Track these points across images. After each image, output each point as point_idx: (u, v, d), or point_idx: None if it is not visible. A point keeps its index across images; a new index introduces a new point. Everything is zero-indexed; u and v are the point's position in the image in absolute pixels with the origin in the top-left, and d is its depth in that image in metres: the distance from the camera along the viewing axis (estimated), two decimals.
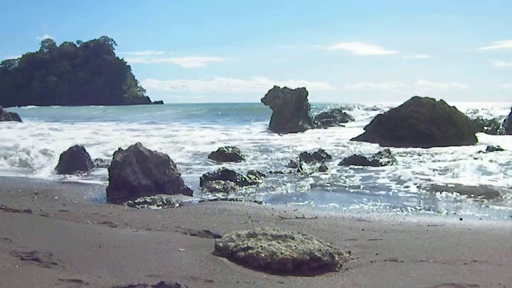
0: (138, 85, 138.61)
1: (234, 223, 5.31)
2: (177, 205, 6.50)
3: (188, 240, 4.36)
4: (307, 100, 25.97)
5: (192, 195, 7.20)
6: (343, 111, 40.67)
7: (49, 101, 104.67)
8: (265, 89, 25.65)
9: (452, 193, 7.39)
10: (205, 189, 7.68)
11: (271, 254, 3.59)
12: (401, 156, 12.18)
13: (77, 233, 4.43)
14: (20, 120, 30.86)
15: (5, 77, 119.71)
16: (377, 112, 23.71)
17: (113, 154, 7.41)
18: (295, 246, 3.69)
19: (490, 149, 12.51)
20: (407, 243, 4.45)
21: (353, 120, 31.35)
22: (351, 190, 7.79)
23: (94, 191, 7.40)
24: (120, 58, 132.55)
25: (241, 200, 6.78)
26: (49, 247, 3.72)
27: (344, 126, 26.78)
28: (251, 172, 8.77)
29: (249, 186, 7.95)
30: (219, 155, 11.36)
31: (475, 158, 11.21)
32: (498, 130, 21.78)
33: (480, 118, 28.01)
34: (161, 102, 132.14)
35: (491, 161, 10.92)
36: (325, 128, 24.66)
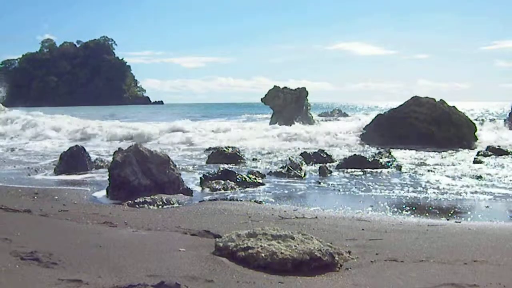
0: (138, 85, 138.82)
1: (234, 223, 5.30)
2: (177, 205, 6.50)
3: (188, 240, 4.36)
4: (307, 100, 26.00)
5: (192, 195, 7.20)
6: (343, 111, 40.84)
7: (49, 101, 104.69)
8: (265, 89, 25.70)
9: (452, 193, 7.39)
10: (205, 189, 7.68)
11: (271, 254, 3.59)
12: (401, 156, 12.17)
13: (77, 233, 4.43)
14: None
15: (5, 77, 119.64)
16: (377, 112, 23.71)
17: (113, 154, 7.42)
18: (295, 246, 3.69)
19: (490, 149, 12.50)
20: (407, 243, 4.45)
21: (353, 120, 31.38)
22: (351, 190, 7.79)
23: (94, 191, 7.40)
24: (120, 58, 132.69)
25: (241, 200, 6.78)
26: (49, 247, 3.72)
27: (344, 125, 26.76)
28: (251, 172, 8.77)
29: (249, 186, 7.95)
30: (219, 155, 11.35)
31: (475, 159, 11.20)
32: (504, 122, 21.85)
33: (480, 118, 28.07)
34: (161, 102, 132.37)
35: (489, 163, 10.93)
36: (325, 128, 24.65)
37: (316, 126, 20.94)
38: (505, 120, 24.44)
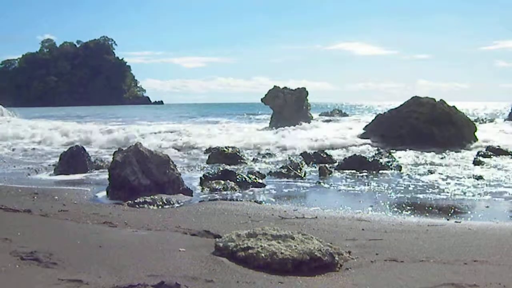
0: (138, 85, 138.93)
1: (234, 223, 5.30)
2: (177, 205, 6.50)
3: (188, 240, 4.36)
4: (307, 100, 26.03)
5: (192, 195, 7.20)
6: (343, 110, 40.87)
7: (49, 101, 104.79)
8: (265, 89, 25.70)
9: (452, 193, 7.39)
10: (205, 189, 7.68)
11: (271, 254, 3.59)
12: (401, 156, 12.17)
13: (77, 233, 4.43)
14: None
15: (5, 77, 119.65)
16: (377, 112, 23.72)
17: (113, 154, 7.42)
18: (295, 246, 3.69)
19: (490, 149, 12.50)
20: (407, 243, 4.45)
21: (353, 120, 31.42)
22: (351, 190, 7.79)
23: (94, 191, 7.40)
24: (120, 58, 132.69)
25: (241, 200, 6.78)
26: (49, 247, 3.72)
27: (344, 125, 26.77)
28: (251, 172, 8.77)
29: (249, 186, 7.95)
30: (219, 155, 11.35)
31: (475, 159, 11.20)
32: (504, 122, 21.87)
33: (481, 118, 28.09)
34: (161, 102, 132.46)
35: (489, 163, 10.94)
36: (325, 128, 24.65)
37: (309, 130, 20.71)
38: (505, 120, 24.41)
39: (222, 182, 7.88)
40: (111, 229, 4.78)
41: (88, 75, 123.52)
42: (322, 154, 11.41)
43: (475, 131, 15.74)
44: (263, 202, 6.69)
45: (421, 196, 7.25)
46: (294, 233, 3.94)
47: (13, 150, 14.61)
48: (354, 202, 6.83)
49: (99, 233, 4.50)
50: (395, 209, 6.38)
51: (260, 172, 9.11)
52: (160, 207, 6.38)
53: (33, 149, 14.98)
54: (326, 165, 10.03)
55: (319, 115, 35.35)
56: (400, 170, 9.76)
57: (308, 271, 3.52)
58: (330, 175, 9.27)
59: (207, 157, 11.77)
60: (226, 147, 11.97)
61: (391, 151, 12.70)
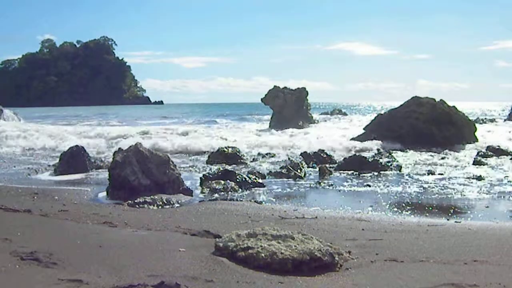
0: (138, 85, 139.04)
1: (234, 223, 5.30)
2: (177, 205, 6.50)
3: (188, 240, 4.36)
4: (307, 100, 26.02)
5: (192, 195, 7.20)
6: (343, 110, 40.90)
7: (49, 101, 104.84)
8: (265, 89, 25.68)
9: (452, 193, 7.39)
10: (205, 189, 7.67)
11: (271, 254, 3.59)
12: (401, 156, 12.17)
13: (77, 233, 4.43)
14: None
15: (5, 77, 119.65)
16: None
17: (113, 154, 7.42)
18: (295, 246, 3.68)
19: (490, 149, 12.50)
20: (407, 243, 4.45)
21: (353, 120, 31.42)
22: (351, 190, 7.79)
23: (94, 191, 7.40)
24: (120, 58, 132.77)
25: (241, 200, 6.78)
26: (49, 247, 3.72)
27: (344, 125, 26.76)
28: (251, 172, 8.77)
29: (249, 186, 7.94)
30: (219, 155, 11.34)
31: (475, 159, 11.20)
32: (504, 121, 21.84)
33: (481, 118, 28.10)
34: (161, 102, 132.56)
35: (489, 163, 10.94)
36: (325, 127, 24.64)
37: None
38: (505, 120, 24.41)
39: (222, 182, 7.87)
40: (111, 229, 4.78)
41: (88, 75, 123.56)
42: (322, 154, 11.39)
43: (475, 131, 15.74)
44: (263, 202, 6.68)
45: (421, 196, 7.25)
46: (294, 233, 3.94)
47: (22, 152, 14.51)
48: (354, 202, 6.83)
49: (99, 233, 4.50)
50: (395, 209, 6.38)
51: (260, 172, 9.11)
52: (160, 207, 6.38)
53: (32, 149, 14.96)
54: (326, 165, 10.03)
55: (319, 115, 35.36)
56: (400, 170, 9.76)
57: (308, 271, 3.52)
58: (330, 175, 9.27)
59: (207, 157, 11.77)
60: (226, 147, 11.96)
61: (391, 151, 12.69)
